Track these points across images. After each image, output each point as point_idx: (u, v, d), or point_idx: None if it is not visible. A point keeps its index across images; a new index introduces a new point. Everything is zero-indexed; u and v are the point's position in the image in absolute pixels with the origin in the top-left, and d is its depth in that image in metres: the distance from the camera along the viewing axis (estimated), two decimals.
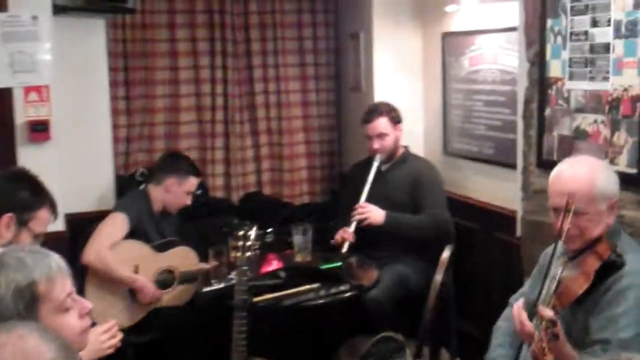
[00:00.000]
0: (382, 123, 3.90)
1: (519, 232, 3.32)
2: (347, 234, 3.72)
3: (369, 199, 3.81)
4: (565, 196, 2.20)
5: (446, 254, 3.27)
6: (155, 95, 4.60)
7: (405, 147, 4.08)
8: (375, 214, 3.75)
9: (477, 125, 4.03)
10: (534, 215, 3.12)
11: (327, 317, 3.70)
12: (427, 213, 3.80)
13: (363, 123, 3.97)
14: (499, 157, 3.85)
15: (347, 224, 3.76)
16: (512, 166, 3.65)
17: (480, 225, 3.98)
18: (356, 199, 3.83)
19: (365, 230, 3.78)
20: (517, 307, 2.19)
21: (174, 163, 3.83)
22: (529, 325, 2.08)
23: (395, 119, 3.95)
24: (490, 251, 3.89)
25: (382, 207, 3.79)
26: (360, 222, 3.73)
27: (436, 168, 4.04)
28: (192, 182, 3.79)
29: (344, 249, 3.68)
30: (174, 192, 3.75)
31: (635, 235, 2.47)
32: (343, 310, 3.67)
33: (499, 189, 3.85)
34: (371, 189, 3.83)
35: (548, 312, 2.00)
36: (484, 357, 2.59)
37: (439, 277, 3.19)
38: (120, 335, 2.31)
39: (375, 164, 3.89)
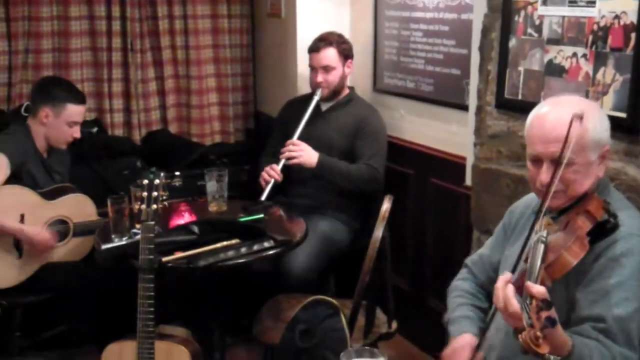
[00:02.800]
0: (329, 54, 3.55)
1: (468, 180, 2.94)
2: (274, 171, 3.42)
3: (303, 138, 3.48)
4: (550, 144, 1.83)
5: (386, 205, 2.86)
6: (41, 17, 4.05)
7: (351, 88, 3.73)
8: (308, 154, 3.44)
9: (414, 58, 3.62)
10: (489, 162, 2.74)
11: (248, 277, 3.27)
12: (365, 164, 3.48)
13: (309, 52, 3.62)
14: (440, 96, 3.49)
15: (276, 162, 3.46)
16: (456, 106, 3.32)
17: (414, 171, 3.62)
18: (289, 138, 3.50)
19: (290, 173, 3.48)
20: (503, 280, 1.76)
21: (47, 89, 3.32)
22: (515, 306, 1.64)
23: (346, 53, 3.61)
24: (426, 200, 3.55)
25: (316, 149, 3.47)
26: (289, 160, 3.42)
27: (381, 116, 3.67)
28: (72, 110, 3.31)
29: (268, 188, 3.37)
30: (50, 124, 3.29)
31: (620, 191, 2.11)
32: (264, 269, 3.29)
33: (438, 131, 3.51)
34: (307, 127, 3.49)
35: (540, 290, 1.59)
36: (443, 318, 2.23)
37: (378, 232, 2.78)
38: None
39: (315, 99, 3.55)
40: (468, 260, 2.32)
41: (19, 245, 3.11)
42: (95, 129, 4.18)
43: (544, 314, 1.54)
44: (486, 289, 2.24)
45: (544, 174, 1.86)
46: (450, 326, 2.16)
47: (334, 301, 2.76)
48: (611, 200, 1.88)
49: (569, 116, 1.80)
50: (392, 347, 3.55)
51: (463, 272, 2.32)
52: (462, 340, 2.05)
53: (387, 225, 2.87)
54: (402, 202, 3.57)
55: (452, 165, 3.31)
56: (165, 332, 2.74)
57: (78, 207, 3.24)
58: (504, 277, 1.74)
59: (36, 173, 3.25)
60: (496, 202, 2.72)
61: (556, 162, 1.80)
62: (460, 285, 2.27)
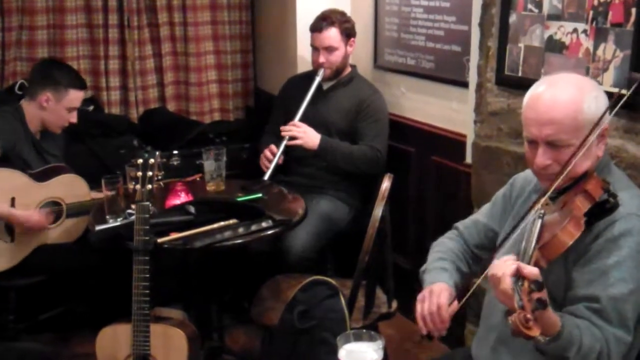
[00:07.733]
0: (332, 35, 3.49)
1: (468, 158, 2.89)
2: (275, 153, 3.38)
3: (304, 119, 3.42)
4: (544, 127, 1.79)
5: (386, 184, 2.81)
6: None
7: (353, 67, 3.67)
8: (310, 136, 3.40)
9: (414, 35, 3.55)
10: (489, 140, 2.68)
11: (246, 257, 3.24)
12: (366, 145, 3.45)
13: (311, 31, 3.55)
14: (441, 72, 3.43)
15: (276, 143, 3.42)
16: (457, 83, 3.26)
17: (416, 149, 3.57)
18: (290, 117, 3.45)
19: (291, 152, 3.45)
20: (503, 259, 1.71)
21: (50, 73, 3.25)
22: (507, 283, 1.58)
23: (348, 32, 3.55)
24: (427, 178, 3.50)
25: (317, 129, 3.43)
26: (290, 140, 3.38)
27: (382, 96, 3.61)
28: (73, 96, 3.26)
29: (269, 171, 3.31)
30: (51, 109, 3.23)
31: (621, 169, 2.06)
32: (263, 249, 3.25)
33: (439, 108, 3.44)
34: (308, 106, 3.44)
35: (533, 271, 1.56)
36: (419, 271, 2.15)
37: (378, 211, 2.73)
38: None
39: (317, 80, 3.49)
40: (459, 224, 2.26)
41: (10, 229, 3.05)
42: (91, 107, 4.11)
43: (535, 296, 1.52)
44: (473, 255, 2.19)
45: (540, 158, 1.82)
46: (426, 275, 2.09)
47: (333, 282, 2.72)
48: (612, 179, 1.84)
49: (564, 97, 1.74)
50: (393, 327, 3.52)
51: (451, 233, 2.25)
52: (439, 286, 1.97)
53: (388, 203, 2.82)
54: (403, 180, 3.52)
55: (453, 143, 3.26)
56: (161, 315, 2.71)
57: (70, 187, 3.18)
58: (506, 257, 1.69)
59: (28, 155, 3.19)
60: (496, 179, 2.67)
61: (551, 144, 1.77)
62: (446, 243, 2.21)
